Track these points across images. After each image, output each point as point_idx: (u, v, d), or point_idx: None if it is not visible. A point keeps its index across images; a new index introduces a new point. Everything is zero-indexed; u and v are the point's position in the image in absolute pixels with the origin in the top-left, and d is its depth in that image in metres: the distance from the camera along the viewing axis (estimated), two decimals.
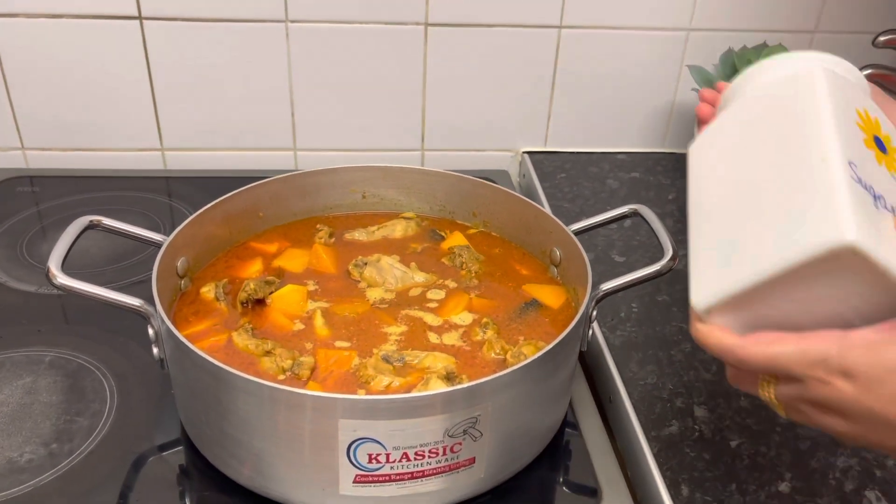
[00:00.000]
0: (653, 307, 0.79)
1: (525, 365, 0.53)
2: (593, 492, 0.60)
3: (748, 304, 0.42)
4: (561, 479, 0.61)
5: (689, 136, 1.11)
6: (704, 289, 0.44)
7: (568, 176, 1.04)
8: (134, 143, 1.04)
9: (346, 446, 0.51)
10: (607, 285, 0.63)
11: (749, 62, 0.97)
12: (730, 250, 0.43)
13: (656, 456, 0.61)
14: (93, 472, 0.59)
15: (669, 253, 0.63)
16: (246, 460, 0.56)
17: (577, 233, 0.69)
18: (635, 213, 0.69)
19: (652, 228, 0.66)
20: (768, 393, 0.44)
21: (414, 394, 0.53)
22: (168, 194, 1.00)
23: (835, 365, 0.39)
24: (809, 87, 0.44)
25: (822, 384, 0.39)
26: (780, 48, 0.99)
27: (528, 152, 1.09)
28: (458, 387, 0.51)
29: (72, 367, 0.69)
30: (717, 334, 0.43)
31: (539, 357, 0.54)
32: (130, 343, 0.72)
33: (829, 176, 0.39)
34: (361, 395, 0.51)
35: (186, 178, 1.03)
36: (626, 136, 1.11)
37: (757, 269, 0.40)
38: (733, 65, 0.99)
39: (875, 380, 0.38)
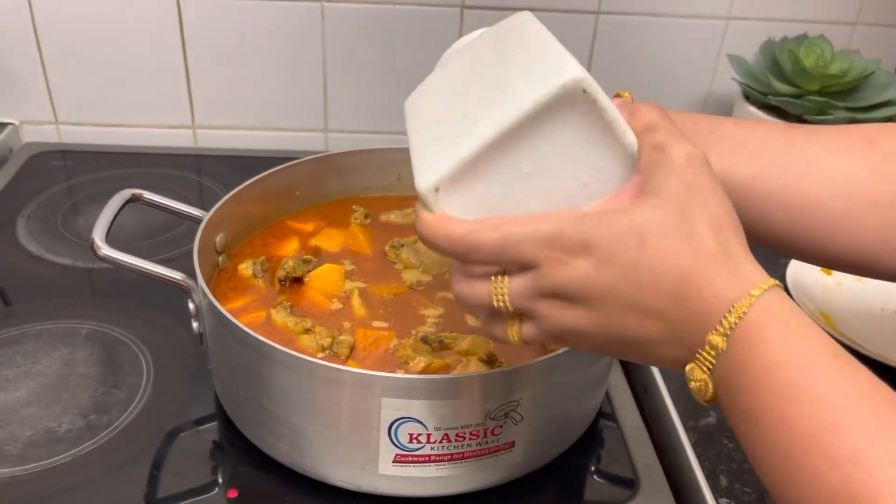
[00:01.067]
0: None
1: (568, 350, 0.52)
2: (630, 482, 0.59)
3: (478, 179, 0.38)
4: (597, 468, 0.61)
5: None
6: (429, 169, 0.39)
7: None
8: (166, 119, 1.04)
9: (388, 425, 0.51)
10: None
11: (790, 53, 0.95)
12: (454, 132, 0.39)
13: (694, 446, 0.61)
14: (130, 445, 0.59)
15: None
16: (284, 436, 0.56)
17: None
18: None
19: None
20: (512, 331, 0.41)
21: (459, 374, 0.53)
22: (198, 171, 1.00)
23: (571, 240, 0.37)
24: (525, 20, 0.42)
25: (558, 264, 0.37)
26: (822, 40, 0.98)
27: None
28: (503, 369, 0.51)
29: (108, 339, 0.69)
30: (444, 223, 0.39)
31: None
32: (164, 317, 0.72)
33: (554, 50, 0.38)
34: (406, 374, 0.50)
35: (216, 156, 1.03)
36: None
37: (483, 132, 0.37)
38: (773, 56, 0.98)
39: (611, 248, 0.36)
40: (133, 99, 1.02)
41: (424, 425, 0.51)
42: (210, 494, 0.56)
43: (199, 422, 0.62)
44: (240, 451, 0.59)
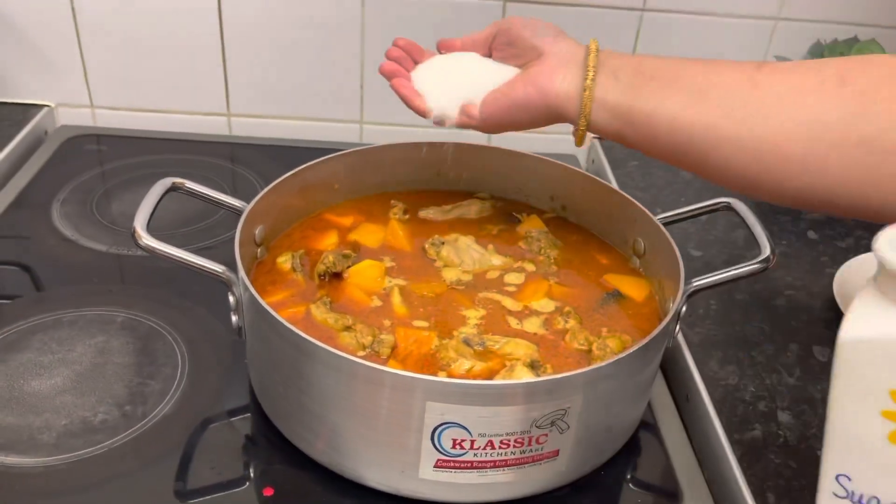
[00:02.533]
0: (731, 305, 0.76)
1: (619, 359, 0.51)
2: (673, 494, 0.58)
3: None
4: (640, 479, 0.59)
5: None
6: None
7: (640, 164, 1.01)
8: (201, 106, 1.03)
9: (432, 430, 0.50)
10: (699, 281, 0.60)
11: (841, 55, 0.93)
12: None
13: (740, 460, 0.59)
14: (164, 437, 0.58)
15: (767, 251, 0.60)
16: (321, 435, 0.55)
17: (665, 223, 0.67)
18: (727, 207, 0.66)
19: (746, 223, 0.64)
20: None
21: (507, 381, 0.51)
22: (231, 160, 0.99)
23: None
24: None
25: None
26: (874, 44, 0.95)
27: (599, 138, 1.06)
28: (552, 377, 0.49)
29: (143, 329, 0.68)
30: None
31: (633, 351, 0.51)
32: (199, 308, 0.71)
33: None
34: (453, 379, 0.49)
35: (250, 144, 1.02)
36: None
37: None
38: (822, 57, 0.95)
39: None
40: (169, 84, 1.01)
41: (469, 431, 0.50)
42: (242, 488, 0.56)
43: (233, 414, 0.62)
44: (274, 446, 0.59)
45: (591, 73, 0.55)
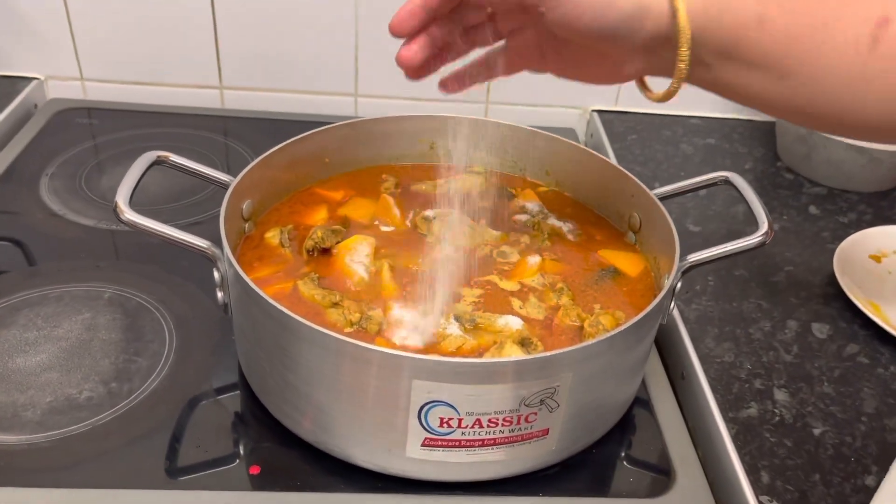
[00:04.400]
0: (730, 281, 0.75)
1: (611, 336, 0.50)
2: (666, 472, 0.57)
3: None
4: (632, 457, 0.58)
5: None
6: None
7: (639, 138, 0.99)
8: (193, 79, 1.01)
9: (418, 408, 0.49)
10: (695, 257, 0.59)
11: None
12: None
13: (734, 438, 0.58)
14: (151, 414, 0.58)
15: (764, 226, 0.59)
16: (308, 413, 0.54)
17: (662, 198, 0.65)
18: (725, 181, 0.65)
19: (744, 198, 0.62)
20: None
21: (495, 359, 0.50)
22: (224, 133, 0.98)
23: None
24: None
25: None
26: None
27: (598, 110, 1.04)
28: (541, 355, 0.48)
29: (131, 305, 0.67)
30: None
31: (625, 329, 0.50)
32: (188, 284, 0.70)
33: None
34: (439, 357, 0.48)
35: (243, 118, 1.01)
36: (701, 99, 1.05)
37: None
38: None
39: None
40: (160, 57, 0.99)
41: (456, 410, 0.49)
42: (230, 466, 0.55)
43: (221, 391, 0.61)
44: (262, 424, 0.58)
45: None
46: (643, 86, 0.56)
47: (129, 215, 0.54)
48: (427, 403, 0.49)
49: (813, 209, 0.87)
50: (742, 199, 0.63)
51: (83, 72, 1.00)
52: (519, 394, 0.49)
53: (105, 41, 0.98)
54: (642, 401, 0.63)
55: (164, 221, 0.55)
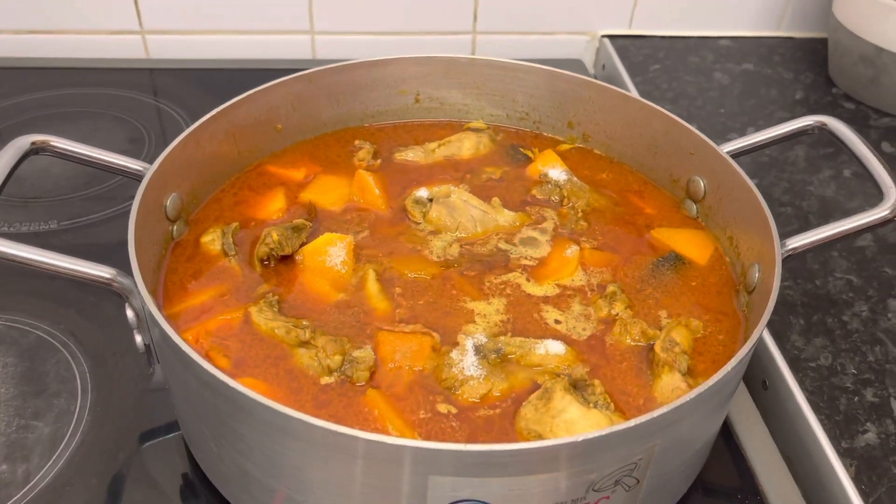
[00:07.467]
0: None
1: (710, 387, 0.34)
2: None
3: None
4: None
5: (814, 15, 0.87)
6: None
7: (663, 67, 0.82)
8: (105, 23, 0.82)
9: None
10: (797, 241, 0.43)
11: None
12: None
13: (855, 480, 0.43)
14: None
15: (892, 194, 0.42)
16: None
17: (735, 155, 0.49)
18: (822, 127, 0.48)
19: (853, 152, 0.46)
20: None
21: (547, 443, 0.33)
22: (154, 93, 0.79)
23: None
24: None
25: None
26: None
27: (609, 36, 0.86)
28: (620, 427, 0.32)
29: (27, 341, 0.50)
30: None
31: (727, 373, 0.34)
32: (107, 304, 0.52)
33: None
34: (464, 446, 0.32)
35: (175, 69, 0.82)
36: (732, 15, 0.88)
37: None
38: None
39: None
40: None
41: None
42: None
43: (159, 470, 0.44)
44: None
45: None
46: None
47: None
48: None
49: (886, 146, 0.71)
50: (836, 152, 0.46)
51: None
52: (586, 479, 0.33)
53: None
54: (724, 430, 0.48)
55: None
